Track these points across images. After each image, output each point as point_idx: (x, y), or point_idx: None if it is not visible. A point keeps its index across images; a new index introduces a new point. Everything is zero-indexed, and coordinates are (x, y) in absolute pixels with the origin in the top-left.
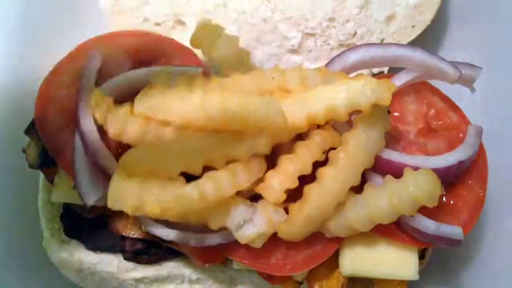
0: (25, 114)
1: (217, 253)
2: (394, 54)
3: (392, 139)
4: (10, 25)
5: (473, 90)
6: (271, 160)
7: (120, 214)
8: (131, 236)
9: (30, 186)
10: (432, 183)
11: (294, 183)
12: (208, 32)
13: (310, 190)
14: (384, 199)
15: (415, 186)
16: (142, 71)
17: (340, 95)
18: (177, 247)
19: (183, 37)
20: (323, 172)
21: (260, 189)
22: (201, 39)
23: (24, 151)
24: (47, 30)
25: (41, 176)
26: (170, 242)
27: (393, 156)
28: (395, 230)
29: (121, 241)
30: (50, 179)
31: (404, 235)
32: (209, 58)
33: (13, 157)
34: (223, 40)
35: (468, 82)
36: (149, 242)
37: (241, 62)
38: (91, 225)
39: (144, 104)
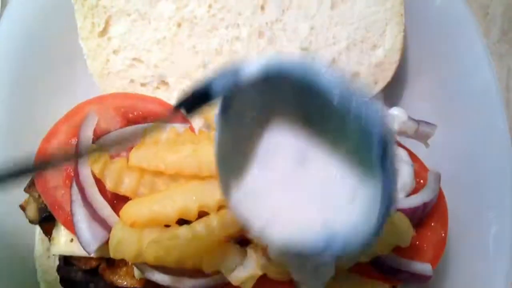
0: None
1: None
2: None
3: None
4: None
5: (427, 145)
6: None
7: (114, 264)
8: (124, 285)
9: (26, 239)
10: (405, 225)
11: None
12: None
13: None
14: None
15: (391, 229)
16: (133, 128)
17: None
18: None
19: (167, 95)
20: None
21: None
22: None
23: (21, 207)
24: (43, 92)
25: (37, 230)
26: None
27: None
28: (369, 268)
29: None
30: (48, 233)
31: (378, 274)
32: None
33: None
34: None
35: (424, 138)
36: None
37: None
38: (85, 276)
39: (138, 156)
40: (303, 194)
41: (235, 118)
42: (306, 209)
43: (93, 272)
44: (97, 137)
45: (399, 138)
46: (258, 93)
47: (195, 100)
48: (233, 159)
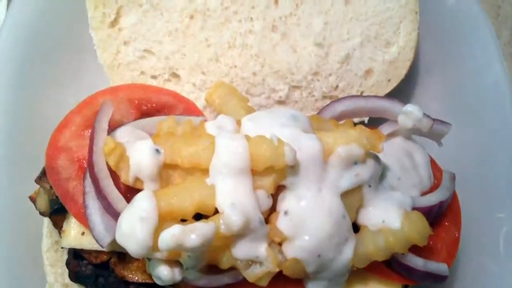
0: (34, 164)
1: None
2: (374, 105)
3: None
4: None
5: (440, 144)
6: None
7: (126, 259)
8: (135, 280)
9: (33, 232)
10: (423, 223)
11: None
12: (222, 92)
13: None
14: (381, 238)
15: (409, 226)
16: (148, 120)
17: (340, 141)
18: None
19: (178, 88)
20: None
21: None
22: (215, 98)
23: (31, 199)
24: (52, 83)
25: (45, 222)
26: (174, 285)
27: None
28: (384, 268)
29: (125, 286)
30: (58, 226)
31: (392, 273)
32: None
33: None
34: (234, 100)
35: (438, 136)
36: (152, 286)
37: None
38: (95, 270)
39: None
40: None
41: None
42: None
43: (104, 266)
44: (111, 129)
45: (413, 137)
46: None
47: None
48: None
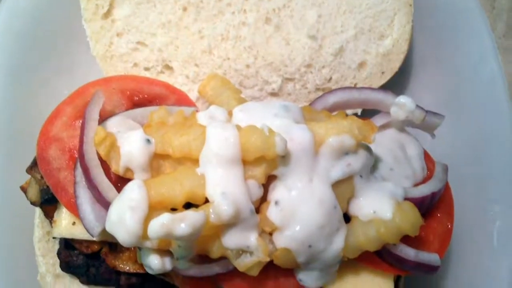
0: (26, 154)
1: (210, 284)
2: (367, 97)
3: None
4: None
5: (433, 136)
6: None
7: (117, 248)
8: (126, 270)
9: (25, 223)
10: (415, 214)
11: None
12: (215, 83)
13: None
14: (372, 228)
15: (401, 217)
16: (140, 110)
17: (331, 132)
18: (170, 279)
19: (171, 80)
20: None
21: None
22: (208, 89)
23: (22, 189)
24: (45, 74)
25: (37, 213)
26: (165, 275)
27: None
28: (376, 259)
29: (116, 276)
30: (49, 216)
31: (384, 264)
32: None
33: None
34: (227, 92)
35: (431, 128)
36: (143, 276)
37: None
38: (86, 260)
39: None
40: None
41: None
42: None
43: (95, 257)
44: (102, 119)
45: (406, 128)
46: None
47: None
48: None
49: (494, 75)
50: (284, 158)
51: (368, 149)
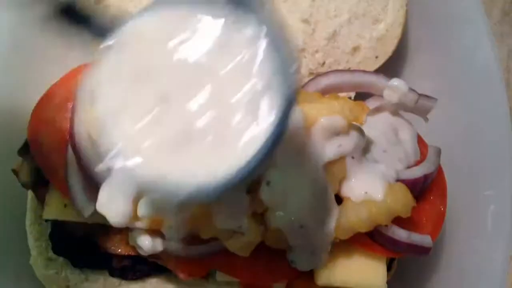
0: (17, 136)
1: (201, 266)
2: (360, 79)
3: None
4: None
5: (426, 120)
6: None
7: (109, 231)
8: (118, 253)
9: (17, 206)
10: (406, 194)
11: None
12: None
13: None
14: (364, 209)
15: (392, 198)
16: None
17: (323, 112)
18: (162, 262)
19: None
20: None
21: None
22: None
23: (14, 171)
24: (39, 60)
25: (29, 196)
26: (156, 257)
27: None
28: (368, 240)
29: (108, 258)
30: (41, 198)
31: (377, 245)
32: None
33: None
34: None
35: (424, 111)
36: (135, 258)
37: None
38: (78, 242)
39: None
40: None
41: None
42: None
43: (87, 239)
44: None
45: (401, 112)
46: None
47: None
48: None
49: (489, 60)
50: None
51: (360, 130)
